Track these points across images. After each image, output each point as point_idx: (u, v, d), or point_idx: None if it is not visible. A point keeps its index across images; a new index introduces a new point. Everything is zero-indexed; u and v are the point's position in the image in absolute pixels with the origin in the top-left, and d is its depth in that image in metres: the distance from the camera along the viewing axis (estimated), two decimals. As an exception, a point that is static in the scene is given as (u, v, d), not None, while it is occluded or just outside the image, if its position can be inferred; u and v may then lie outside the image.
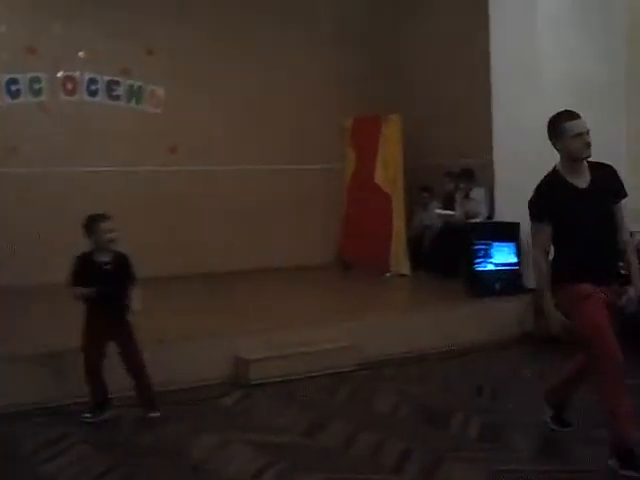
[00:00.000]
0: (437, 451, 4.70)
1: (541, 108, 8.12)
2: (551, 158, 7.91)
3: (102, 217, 5.36)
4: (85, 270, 5.32)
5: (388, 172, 10.39)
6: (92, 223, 5.33)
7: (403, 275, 10.02)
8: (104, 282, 5.28)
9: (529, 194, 7.97)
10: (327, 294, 9.28)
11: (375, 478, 4.32)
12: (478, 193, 9.81)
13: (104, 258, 5.37)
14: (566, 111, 4.25)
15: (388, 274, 10.09)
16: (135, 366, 5.41)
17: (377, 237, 10.36)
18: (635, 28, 8.50)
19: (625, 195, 4.33)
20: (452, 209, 10.17)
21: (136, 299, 5.30)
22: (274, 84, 11.10)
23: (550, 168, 8.24)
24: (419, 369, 6.79)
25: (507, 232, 8.27)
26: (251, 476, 4.35)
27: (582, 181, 4.22)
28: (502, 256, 8.22)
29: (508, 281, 8.15)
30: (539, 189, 4.37)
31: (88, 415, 5.32)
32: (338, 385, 6.29)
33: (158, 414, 5.38)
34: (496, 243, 8.24)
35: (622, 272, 4.41)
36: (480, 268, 8.22)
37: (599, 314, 4.12)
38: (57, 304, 6.76)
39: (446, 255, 9.52)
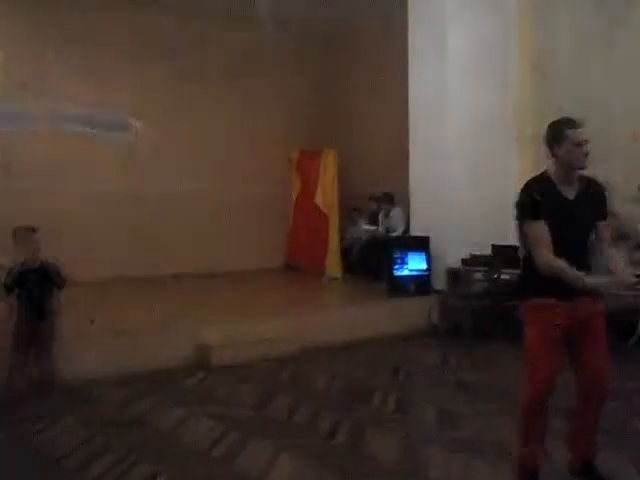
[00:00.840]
0: (362, 421, 4.71)
1: (446, 148, 8.31)
2: (455, 186, 8.12)
3: (28, 229, 5.00)
4: (16, 275, 4.94)
5: (326, 195, 10.42)
6: (18, 234, 4.99)
7: (336, 278, 10.01)
8: (30, 286, 4.96)
9: (438, 215, 8.19)
10: (275, 293, 9.25)
11: (312, 442, 4.32)
12: (396, 213, 9.91)
13: (32, 265, 5.00)
14: (569, 118, 3.40)
15: (324, 277, 10.08)
16: (43, 368, 5.03)
17: (316, 247, 10.35)
18: (522, 74, 8.67)
19: (606, 217, 3.48)
20: (376, 225, 10.25)
21: (57, 303, 5.03)
22: (235, 123, 11.02)
23: (453, 187, 8.09)
24: (348, 354, 6.76)
25: (419, 244, 8.31)
26: (210, 442, 4.30)
27: (571, 192, 3.37)
28: (415, 263, 8.25)
29: (420, 283, 8.19)
30: (531, 189, 3.39)
31: None
32: (282, 367, 6.24)
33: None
34: (410, 252, 8.26)
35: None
36: (398, 273, 8.23)
37: (540, 337, 3.33)
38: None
39: (371, 262, 9.56)
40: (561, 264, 3.20)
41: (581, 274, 3.21)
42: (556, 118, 3.49)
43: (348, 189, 10.57)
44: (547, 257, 3.23)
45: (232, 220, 10.85)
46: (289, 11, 10.04)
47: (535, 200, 3.31)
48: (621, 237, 6.56)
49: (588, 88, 7.52)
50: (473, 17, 8.28)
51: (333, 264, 10.14)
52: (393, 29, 9.22)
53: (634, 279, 3.35)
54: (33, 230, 4.98)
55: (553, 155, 3.40)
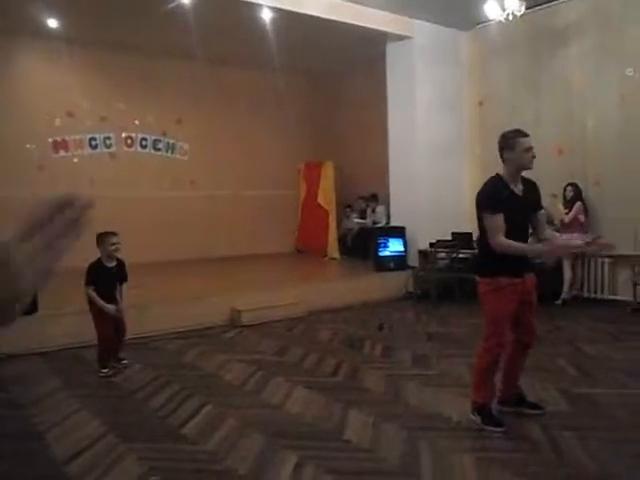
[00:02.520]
0: (356, 363, 4.74)
1: (415, 159, 8.32)
2: (424, 190, 8.16)
3: (110, 234, 4.45)
4: (97, 273, 4.46)
5: (326, 196, 10.37)
6: (101, 238, 4.44)
7: (334, 258, 10.01)
8: (110, 281, 4.52)
9: (411, 210, 8.24)
10: (288, 270, 9.24)
11: (319, 379, 4.35)
12: (380, 209, 9.88)
13: (110, 264, 4.52)
14: (518, 129, 3.25)
15: (325, 258, 10.08)
16: (122, 334, 4.66)
17: (319, 235, 10.33)
18: (471, 109, 8.69)
19: (542, 207, 3.42)
20: (365, 218, 10.27)
21: (123, 297, 4.58)
22: (257, 143, 10.97)
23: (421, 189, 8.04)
24: (344, 315, 6.78)
25: (398, 232, 8.31)
26: (243, 380, 4.35)
27: (518, 189, 3.23)
28: (395, 246, 8.25)
29: (398, 261, 8.20)
30: (491, 187, 3.23)
31: (105, 370, 4.53)
32: (295, 325, 6.28)
33: (126, 362, 4.73)
34: (391, 238, 8.26)
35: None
36: (381, 254, 8.24)
37: (502, 309, 3.20)
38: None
39: (361, 246, 9.57)
40: (511, 242, 3.12)
41: (528, 245, 3.30)
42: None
43: (343, 191, 10.54)
44: (501, 240, 3.12)
45: (254, 215, 10.82)
46: (302, 63, 10.07)
47: (494, 197, 3.17)
48: (548, 221, 6.68)
49: (521, 118, 7.56)
50: (434, 68, 8.32)
51: (332, 248, 10.13)
52: (376, 75, 9.19)
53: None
54: (111, 234, 4.46)
55: (504, 160, 3.23)
